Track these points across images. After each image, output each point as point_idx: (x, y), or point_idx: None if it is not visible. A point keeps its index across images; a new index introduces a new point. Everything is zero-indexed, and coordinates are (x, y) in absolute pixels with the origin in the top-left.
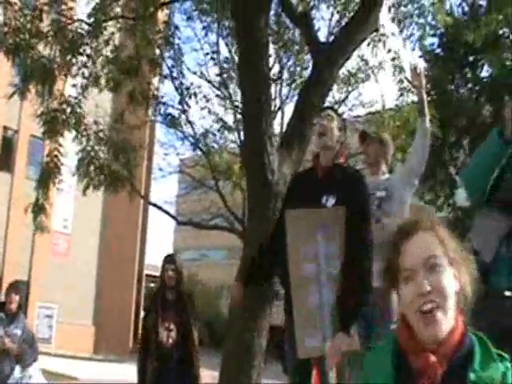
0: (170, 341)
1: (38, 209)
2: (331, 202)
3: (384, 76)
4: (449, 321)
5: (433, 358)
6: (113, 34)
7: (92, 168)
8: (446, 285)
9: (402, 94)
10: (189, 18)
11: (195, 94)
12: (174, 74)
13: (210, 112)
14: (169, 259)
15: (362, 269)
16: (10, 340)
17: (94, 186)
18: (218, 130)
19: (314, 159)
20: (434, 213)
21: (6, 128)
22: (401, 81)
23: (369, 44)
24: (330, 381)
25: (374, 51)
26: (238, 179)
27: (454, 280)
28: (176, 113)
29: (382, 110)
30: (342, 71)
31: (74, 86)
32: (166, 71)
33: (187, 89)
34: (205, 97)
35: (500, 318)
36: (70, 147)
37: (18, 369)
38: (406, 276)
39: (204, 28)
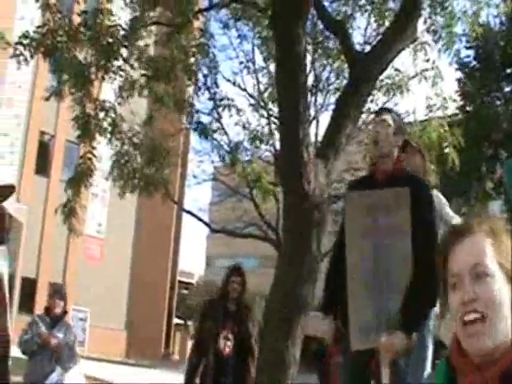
0: (227, 350)
1: (69, 210)
2: None
3: (419, 88)
4: (498, 334)
5: (479, 379)
6: (149, 41)
7: (126, 172)
8: (495, 294)
9: (430, 111)
10: (225, 26)
11: (229, 106)
12: (209, 83)
13: (244, 127)
14: (235, 271)
15: (430, 279)
16: (55, 341)
17: (128, 189)
18: (251, 141)
19: (371, 167)
20: (497, 216)
21: (42, 133)
22: (430, 98)
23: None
24: (384, 380)
25: (414, 61)
26: (270, 188)
27: (509, 290)
28: (209, 121)
29: (412, 123)
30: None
31: (113, 88)
32: (200, 79)
33: (221, 100)
34: (238, 110)
35: None
36: (104, 152)
37: (58, 370)
38: (453, 283)
39: (239, 36)
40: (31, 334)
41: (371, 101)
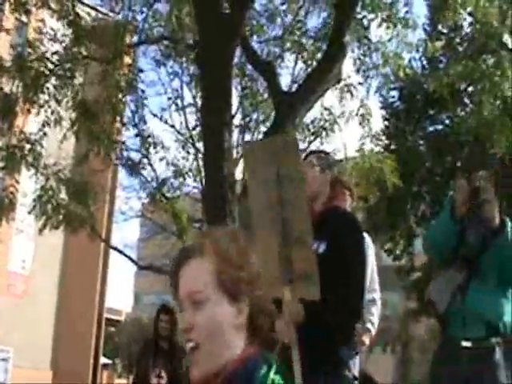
0: None
1: None
2: (322, 247)
3: (347, 126)
4: (215, 360)
5: None
6: (75, 75)
7: (50, 207)
8: (209, 322)
9: (363, 143)
10: (156, 63)
11: (155, 144)
12: (136, 120)
13: (168, 163)
14: (164, 310)
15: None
16: None
17: (52, 225)
18: (176, 176)
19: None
20: (222, 233)
21: None
22: (366, 132)
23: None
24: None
25: (342, 101)
26: (188, 225)
27: (232, 310)
28: (137, 158)
29: (344, 159)
30: (305, 120)
31: (38, 122)
32: (128, 115)
33: (148, 137)
34: (164, 147)
35: (458, 368)
36: (30, 187)
37: None
38: (181, 308)
39: (170, 74)
40: None
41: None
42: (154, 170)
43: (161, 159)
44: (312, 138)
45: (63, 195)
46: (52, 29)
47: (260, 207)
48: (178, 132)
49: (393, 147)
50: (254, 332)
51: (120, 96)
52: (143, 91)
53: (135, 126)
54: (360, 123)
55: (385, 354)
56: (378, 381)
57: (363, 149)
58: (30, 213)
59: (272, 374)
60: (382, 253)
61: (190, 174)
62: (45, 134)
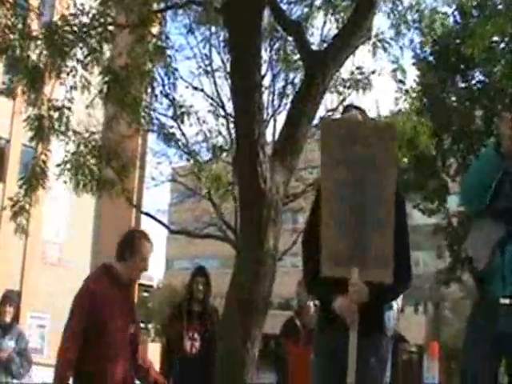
0: (194, 350)
1: (20, 209)
2: None
3: (379, 83)
4: None
5: None
6: (102, 42)
7: (81, 173)
8: None
9: (396, 98)
10: (186, 27)
11: (188, 113)
12: (166, 85)
13: (199, 127)
14: (200, 272)
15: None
16: (4, 354)
17: (84, 190)
18: (206, 141)
19: None
20: None
21: None
22: (399, 89)
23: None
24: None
25: (375, 57)
26: (229, 188)
27: None
28: (168, 123)
29: (376, 118)
30: (336, 78)
31: (66, 87)
32: (158, 80)
33: (180, 106)
34: (194, 113)
35: (496, 325)
36: (61, 157)
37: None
38: None
39: (202, 40)
40: None
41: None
42: (183, 135)
43: (191, 125)
44: (341, 97)
45: (94, 161)
46: None
47: (334, 185)
48: (208, 96)
49: (424, 103)
50: None
51: (149, 62)
52: (171, 57)
53: (165, 92)
54: (393, 78)
55: (417, 313)
56: (410, 340)
57: (396, 108)
58: (57, 178)
59: None
60: (413, 212)
61: (221, 137)
62: (72, 99)
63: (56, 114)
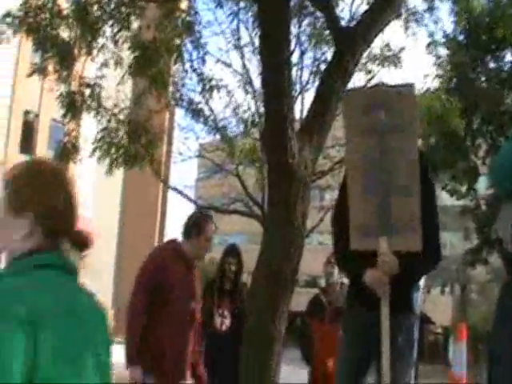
0: (224, 327)
1: None
2: None
3: (410, 61)
4: None
5: None
6: (131, 18)
7: (113, 148)
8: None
9: (427, 75)
10: (218, 5)
11: (218, 87)
12: (195, 60)
13: (227, 103)
14: (232, 252)
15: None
16: None
17: (115, 165)
18: (235, 116)
19: None
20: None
21: (27, 112)
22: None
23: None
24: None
25: (408, 31)
26: (258, 163)
27: (17, 222)
28: (196, 99)
29: None
30: (368, 54)
31: (97, 64)
32: (187, 56)
33: (210, 80)
34: (223, 87)
35: None
36: (89, 134)
37: None
38: None
39: (230, 14)
40: None
41: (367, 72)
42: (211, 111)
43: (220, 98)
44: (370, 75)
45: (124, 136)
46: None
47: (358, 156)
48: (236, 71)
49: (454, 83)
50: (51, 234)
51: (177, 38)
52: (200, 32)
53: (194, 70)
54: (427, 51)
55: (443, 294)
56: (436, 321)
57: (425, 86)
58: (91, 156)
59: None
60: (441, 193)
61: (249, 113)
62: (103, 76)
63: (87, 91)
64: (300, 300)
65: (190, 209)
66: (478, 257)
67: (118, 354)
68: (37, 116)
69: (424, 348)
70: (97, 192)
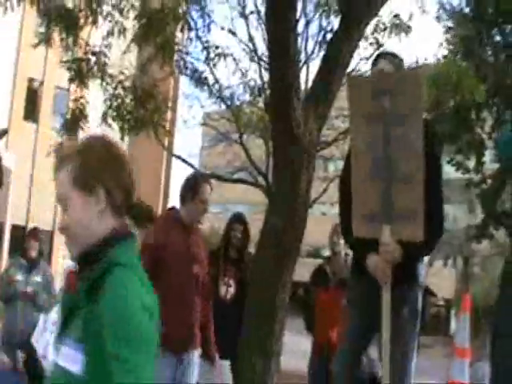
0: (229, 296)
1: None
2: None
3: (420, 29)
4: (82, 244)
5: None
6: None
7: (121, 113)
8: (70, 220)
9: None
10: None
11: (224, 55)
12: (200, 28)
13: (232, 72)
14: (238, 219)
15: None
16: (30, 288)
17: (124, 131)
18: (239, 85)
19: None
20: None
21: (31, 79)
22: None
23: None
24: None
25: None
26: (262, 132)
27: (89, 199)
28: (200, 67)
29: (415, 64)
30: (375, 25)
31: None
32: (192, 24)
33: (216, 47)
34: (232, 56)
35: None
36: (94, 102)
37: (41, 317)
38: None
39: None
40: (7, 281)
41: (373, 43)
42: (216, 81)
43: (226, 66)
44: (377, 45)
45: (131, 102)
46: None
47: (363, 142)
48: (241, 41)
49: (460, 54)
50: (119, 210)
51: (184, 4)
52: (205, 0)
53: (199, 38)
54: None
55: (445, 267)
56: (438, 294)
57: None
58: (99, 125)
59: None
60: (445, 166)
61: (254, 82)
62: (109, 44)
63: (93, 58)
64: (302, 270)
65: None
66: (484, 232)
67: None
68: (41, 83)
69: (426, 319)
70: None
